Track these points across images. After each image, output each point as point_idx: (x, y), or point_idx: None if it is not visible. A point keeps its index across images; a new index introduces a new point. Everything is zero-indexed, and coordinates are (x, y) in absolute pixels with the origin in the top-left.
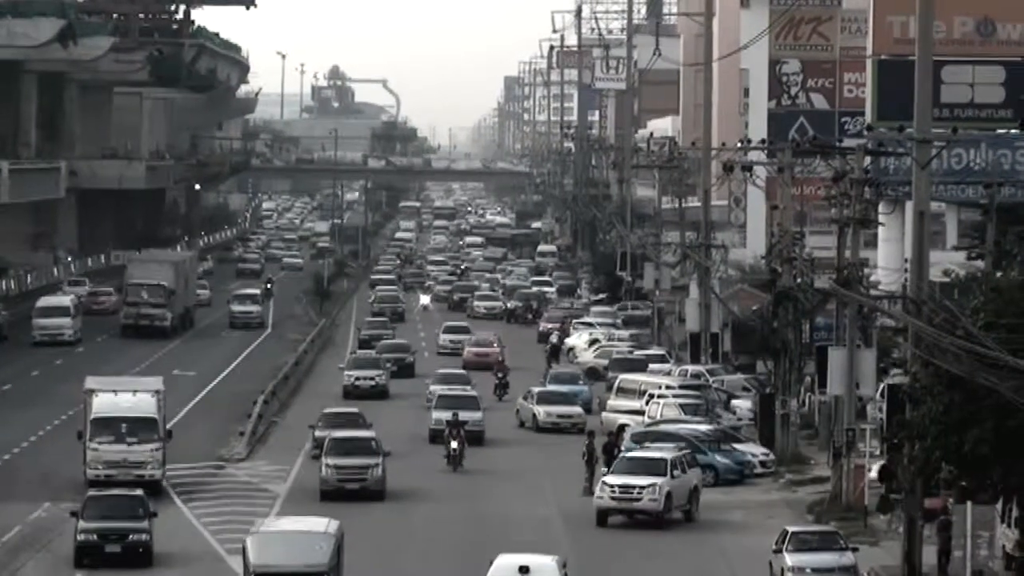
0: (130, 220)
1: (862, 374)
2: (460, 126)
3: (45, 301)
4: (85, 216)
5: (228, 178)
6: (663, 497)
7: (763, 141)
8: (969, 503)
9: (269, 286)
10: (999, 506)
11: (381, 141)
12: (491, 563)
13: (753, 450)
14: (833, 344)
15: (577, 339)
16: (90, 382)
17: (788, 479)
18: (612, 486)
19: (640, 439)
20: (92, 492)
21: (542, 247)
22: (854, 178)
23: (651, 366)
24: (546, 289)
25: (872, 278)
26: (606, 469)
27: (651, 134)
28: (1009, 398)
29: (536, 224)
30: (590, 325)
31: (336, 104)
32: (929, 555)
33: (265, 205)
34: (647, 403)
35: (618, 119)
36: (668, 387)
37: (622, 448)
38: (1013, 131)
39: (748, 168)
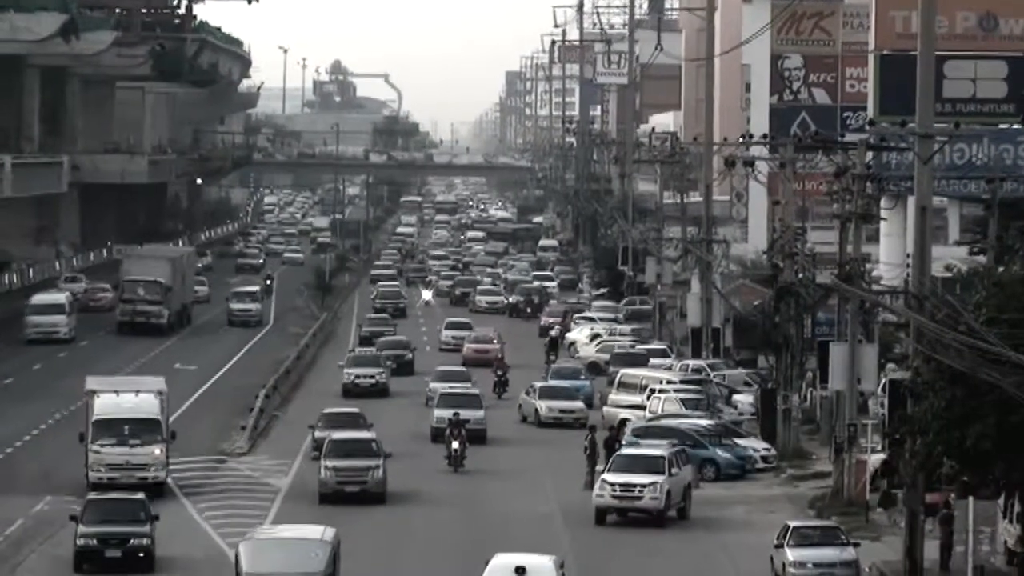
0: (132, 215)
1: (863, 369)
2: (462, 121)
3: (39, 298)
4: (87, 210)
5: (230, 173)
6: (664, 495)
7: (765, 136)
8: (971, 498)
9: (269, 282)
10: (1001, 501)
11: (383, 136)
12: (487, 563)
13: (754, 445)
14: (835, 339)
15: (578, 334)
16: (91, 383)
17: (789, 474)
18: (612, 484)
19: (641, 434)
20: (92, 495)
21: (543, 242)
22: (856, 173)
23: (652, 361)
24: (547, 284)
25: (874, 273)
26: (601, 467)
27: (653, 129)
28: (1011, 393)
29: (537, 219)
30: (591, 320)
31: (338, 99)
32: (931, 550)
33: (267, 200)
34: (648, 398)
35: (620, 114)
36: (669, 382)
37: (623, 443)
38: (1015, 126)
39: (750, 163)
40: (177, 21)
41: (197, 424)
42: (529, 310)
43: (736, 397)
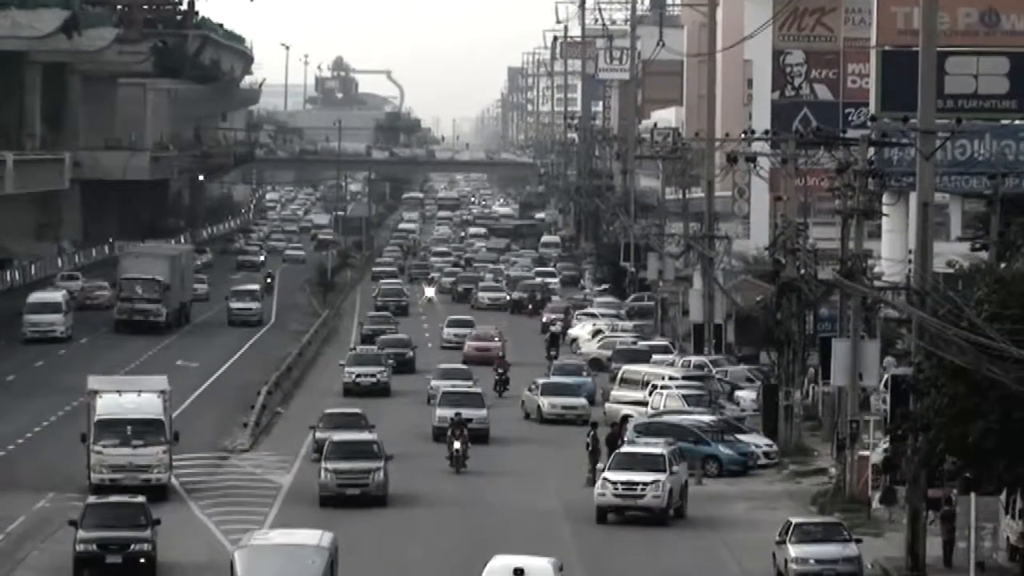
0: (134, 211)
1: (865, 365)
2: (464, 117)
3: (36, 297)
4: (89, 207)
5: (232, 169)
6: (666, 494)
7: (767, 132)
8: (973, 494)
9: (269, 280)
10: (1003, 498)
11: (385, 132)
12: (486, 564)
13: (757, 441)
14: (837, 335)
15: (580, 330)
16: (93, 382)
17: (792, 470)
18: (614, 483)
19: (643, 430)
20: (92, 499)
21: (545, 238)
22: (858, 169)
23: (654, 357)
24: (549, 280)
25: (876, 269)
26: (602, 464)
27: (655, 125)
28: (1014, 389)
29: (539, 215)
30: (593, 316)
31: (340, 95)
32: (933, 546)
33: (269, 196)
34: (650, 394)
35: (622, 110)
36: (671, 378)
37: (625, 439)
38: (1017, 121)
39: (752, 159)
40: (179, 17)
41: (199, 421)
42: (531, 306)
43: (738, 393)
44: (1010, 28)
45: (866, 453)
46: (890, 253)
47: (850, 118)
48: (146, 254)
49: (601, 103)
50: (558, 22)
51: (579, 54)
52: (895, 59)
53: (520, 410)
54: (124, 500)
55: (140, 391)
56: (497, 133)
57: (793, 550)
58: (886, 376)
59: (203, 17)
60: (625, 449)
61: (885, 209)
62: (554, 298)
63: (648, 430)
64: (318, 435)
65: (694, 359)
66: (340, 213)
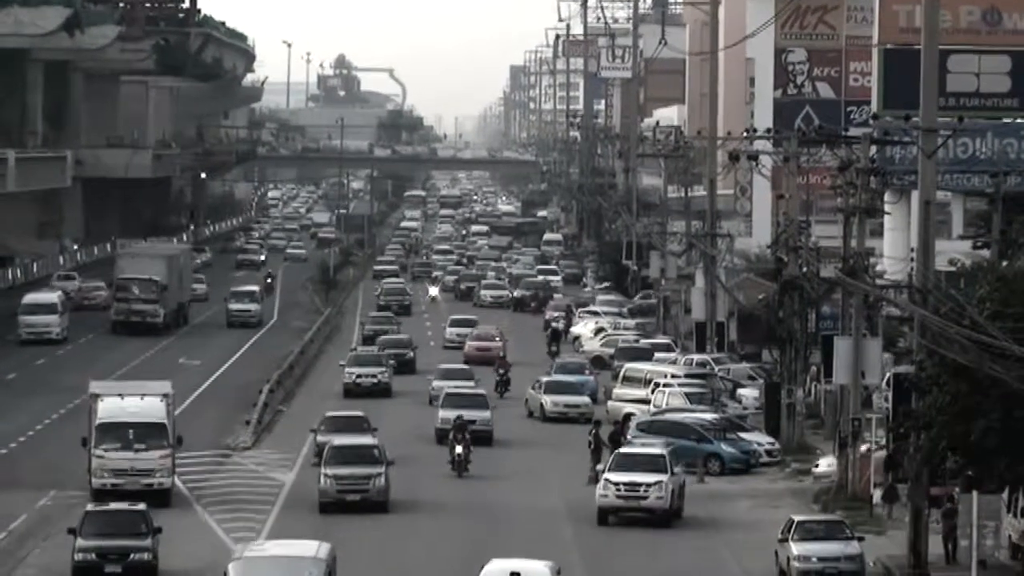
0: (136, 209)
1: (868, 363)
2: (466, 115)
3: (31, 298)
4: (91, 205)
5: (234, 167)
6: (669, 495)
7: (769, 130)
8: (975, 493)
9: (269, 280)
10: (1005, 496)
11: (387, 130)
12: (482, 568)
13: (759, 439)
14: (839, 333)
15: (583, 328)
16: (95, 386)
17: (794, 468)
18: (617, 484)
19: (646, 428)
20: (91, 507)
21: (548, 236)
22: (860, 167)
23: (657, 355)
24: (551, 278)
25: (878, 267)
26: (602, 465)
27: (657, 123)
28: (1015, 388)
29: (542, 213)
30: (596, 314)
31: (342, 93)
32: (935, 544)
33: (271, 194)
34: (653, 392)
35: (624, 108)
36: (674, 376)
37: (628, 437)
38: (1019, 120)
39: (754, 157)
40: (181, 15)
41: (201, 419)
42: (535, 304)
43: (740, 391)
44: (1012, 26)
45: (868, 450)
46: (892, 251)
47: (852, 116)
48: (143, 254)
49: (603, 101)
50: (560, 20)
51: (581, 52)
52: (897, 57)
53: (523, 409)
54: (124, 508)
55: (143, 395)
56: (499, 131)
57: (795, 548)
58: (888, 374)
59: (205, 15)
60: (625, 450)
61: (887, 207)
62: (556, 296)
63: (650, 428)
64: (319, 438)
65: (696, 357)
66: (342, 211)
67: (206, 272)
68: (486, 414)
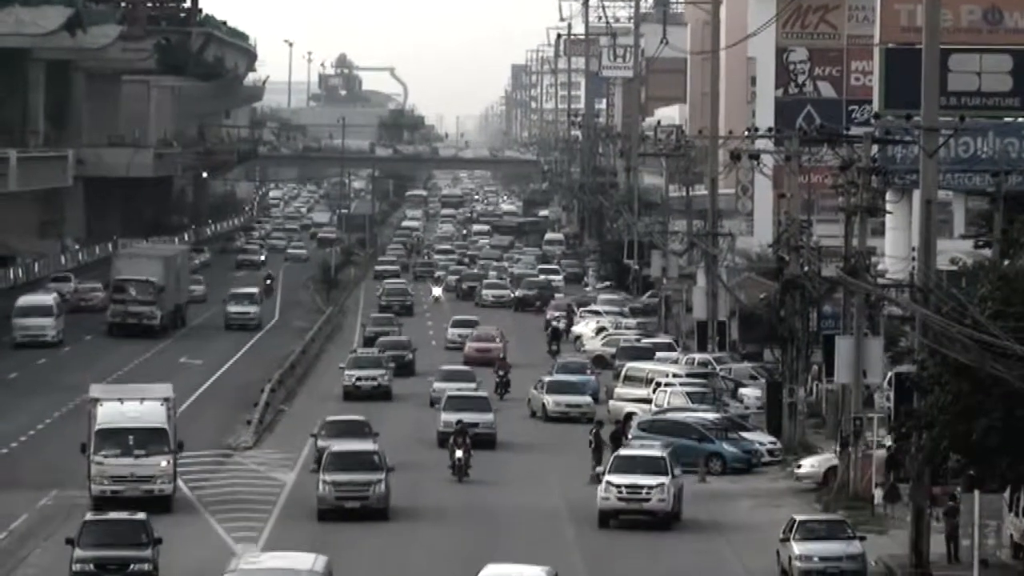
0: (138, 208)
1: (869, 363)
2: (467, 114)
3: (25, 300)
4: (93, 204)
5: (236, 166)
6: (671, 497)
7: (770, 129)
8: (977, 492)
9: (269, 282)
10: (1007, 495)
11: (388, 129)
12: (477, 573)
13: (760, 438)
14: (840, 333)
15: (584, 327)
16: (94, 390)
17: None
18: (618, 486)
19: (647, 427)
20: (89, 516)
21: (549, 235)
22: (861, 166)
23: (658, 354)
24: (553, 277)
25: (879, 266)
26: (601, 467)
27: (658, 122)
28: (1017, 387)
29: (543, 212)
30: (597, 313)
31: (343, 92)
32: (937, 544)
33: (272, 194)
34: (654, 391)
35: (625, 107)
36: (675, 375)
37: (629, 436)
38: (1020, 119)
39: (755, 156)
40: (182, 15)
41: (203, 418)
42: (539, 303)
43: (742, 391)
44: (1013, 26)
45: (871, 448)
46: (893, 250)
47: (853, 115)
48: (140, 255)
49: (605, 100)
50: (562, 19)
51: (583, 51)
52: (898, 56)
53: (524, 409)
54: (123, 517)
55: (143, 399)
56: (501, 130)
57: (797, 548)
58: (890, 373)
59: (207, 14)
60: (624, 452)
61: (888, 206)
62: (557, 295)
63: (652, 428)
64: (319, 443)
65: (698, 356)
66: (343, 211)
67: (205, 272)
68: (489, 417)
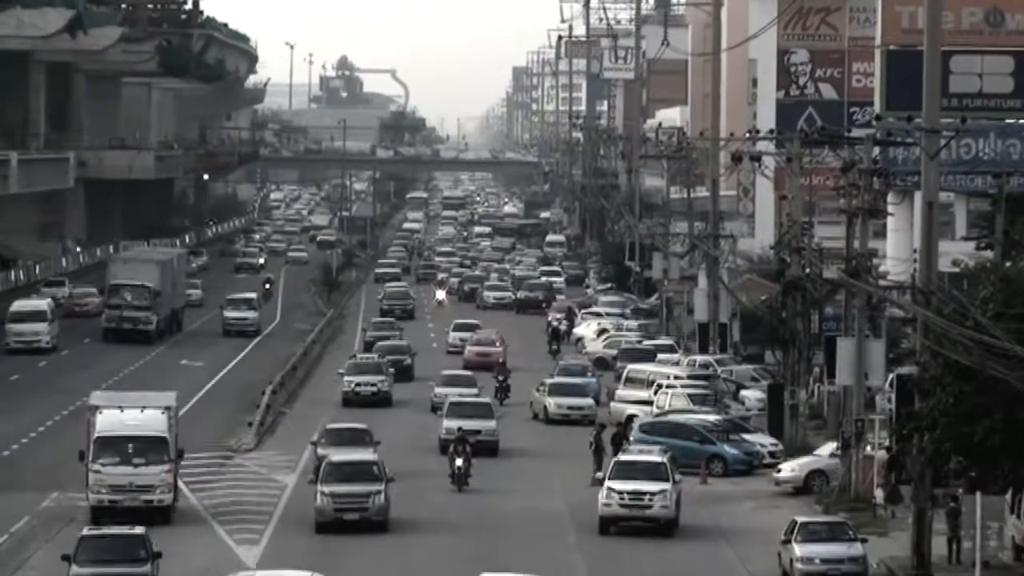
0: (138, 211)
1: (871, 364)
2: (469, 116)
3: (19, 305)
4: (94, 206)
5: (237, 168)
6: (673, 504)
7: (771, 131)
8: (978, 494)
9: (268, 286)
10: (1008, 497)
11: (389, 131)
12: None
13: (762, 440)
14: (842, 334)
15: (586, 329)
16: (94, 398)
17: None
18: (620, 492)
19: (648, 430)
20: (87, 531)
21: (550, 237)
22: (863, 168)
23: (660, 356)
24: (554, 280)
25: (881, 268)
26: (601, 474)
27: (659, 124)
28: (1018, 388)
29: (544, 214)
30: (599, 315)
31: (344, 94)
32: (938, 546)
33: (273, 195)
34: (656, 393)
35: (627, 109)
36: (677, 377)
37: (631, 439)
38: (1022, 121)
39: (757, 158)
40: (183, 17)
41: (203, 421)
42: (544, 305)
43: (743, 392)
44: (1015, 27)
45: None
46: (895, 252)
47: (855, 117)
48: (135, 259)
49: (606, 102)
50: (563, 21)
51: (584, 53)
52: (900, 58)
53: (524, 413)
54: (122, 532)
55: (143, 407)
56: (502, 132)
57: (798, 549)
58: (891, 375)
59: (208, 16)
60: (624, 457)
61: (890, 208)
62: (559, 297)
63: (653, 429)
64: (319, 451)
65: (699, 358)
66: (344, 213)
67: (203, 276)
68: (491, 424)
